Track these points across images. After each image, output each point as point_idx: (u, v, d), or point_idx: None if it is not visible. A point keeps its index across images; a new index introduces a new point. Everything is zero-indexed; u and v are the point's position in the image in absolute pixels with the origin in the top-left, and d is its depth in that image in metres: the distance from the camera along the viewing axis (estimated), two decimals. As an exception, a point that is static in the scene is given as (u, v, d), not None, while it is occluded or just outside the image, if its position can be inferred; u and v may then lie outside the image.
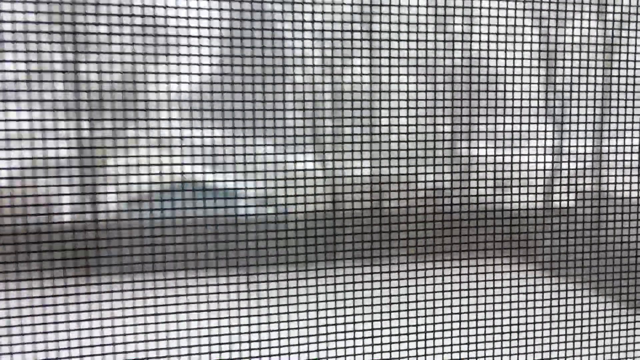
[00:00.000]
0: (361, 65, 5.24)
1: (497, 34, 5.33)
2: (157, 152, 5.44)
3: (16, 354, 4.27)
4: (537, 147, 5.75)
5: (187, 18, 4.92)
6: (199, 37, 5.03)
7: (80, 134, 4.75)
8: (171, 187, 5.33)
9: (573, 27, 5.47)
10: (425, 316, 5.11)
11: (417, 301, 4.71)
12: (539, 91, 5.68)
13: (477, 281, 5.27)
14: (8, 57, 4.40)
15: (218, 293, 5.06)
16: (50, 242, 4.43)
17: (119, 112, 4.98)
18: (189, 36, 5.00)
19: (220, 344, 4.78)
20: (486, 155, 5.84)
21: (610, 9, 5.47)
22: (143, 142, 5.34)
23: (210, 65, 5.51)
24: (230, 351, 4.60)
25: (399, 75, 5.37)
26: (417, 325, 5.01)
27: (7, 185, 4.45)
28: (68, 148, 4.81)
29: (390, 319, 5.05)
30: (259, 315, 4.96)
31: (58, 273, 4.64)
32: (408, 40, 5.38)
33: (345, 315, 5.06)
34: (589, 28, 5.24)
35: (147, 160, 5.26)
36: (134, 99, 5.02)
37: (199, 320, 4.88)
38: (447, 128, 5.58)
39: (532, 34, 5.55)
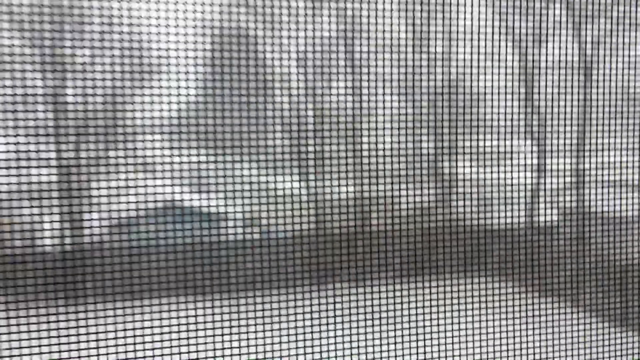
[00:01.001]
0: (344, 87, 5.29)
1: (477, 54, 5.42)
2: (141, 175, 5.43)
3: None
4: (518, 165, 5.82)
5: (171, 42, 4.94)
6: (183, 61, 5.05)
7: (62, 159, 4.74)
8: (155, 211, 5.32)
9: (552, 48, 5.58)
10: (409, 335, 5.11)
11: (402, 321, 4.71)
12: (519, 110, 5.76)
13: (453, 299, 5.29)
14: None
15: (202, 316, 5.03)
16: (33, 269, 4.39)
17: (102, 137, 4.98)
18: (170, 60, 5.02)
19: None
20: (469, 174, 5.89)
21: (586, 29, 5.59)
22: (125, 166, 5.33)
23: (195, 88, 5.54)
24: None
25: (380, 95, 5.42)
26: (403, 344, 5.00)
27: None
28: (48, 174, 4.79)
29: (373, 339, 5.05)
30: (247, 339, 4.93)
31: (42, 298, 4.59)
32: (390, 61, 5.45)
33: (328, 338, 5.04)
34: (566, 48, 5.34)
35: (130, 183, 5.24)
36: (117, 123, 5.02)
37: (187, 345, 4.84)
38: (430, 147, 5.64)
39: (511, 54, 5.64)
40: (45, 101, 4.66)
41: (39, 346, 4.36)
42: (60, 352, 4.42)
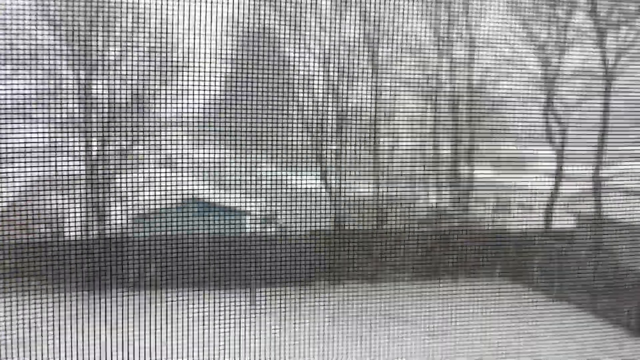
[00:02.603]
0: (366, 89, 5.37)
1: (499, 59, 5.46)
2: (165, 170, 5.55)
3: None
4: (537, 170, 5.85)
5: (197, 40, 5.05)
6: (208, 58, 5.16)
7: (90, 151, 4.88)
8: (177, 205, 5.43)
9: (574, 55, 5.60)
10: (422, 335, 5.17)
11: (415, 320, 4.77)
12: (539, 116, 5.79)
13: (467, 301, 5.33)
14: (23, 76, 4.53)
15: (221, 310, 5.13)
16: (59, 257, 4.53)
17: (127, 131, 5.10)
18: (196, 57, 5.13)
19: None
20: (487, 178, 5.93)
21: (609, 37, 5.60)
22: (151, 160, 5.45)
23: (219, 86, 5.64)
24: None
25: (401, 97, 5.49)
26: (415, 343, 5.06)
27: (20, 201, 4.56)
28: (78, 165, 4.92)
29: (387, 338, 5.11)
30: (260, 333, 5.02)
31: (68, 287, 4.73)
32: (412, 64, 5.51)
33: (345, 335, 5.12)
34: (588, 56, 5.37)
35: (155, 177, 5.36)
36: (142, 118, 5.14)
37: (201, 337, 4.95)
38: (449, 150, 5.69)
39: (533, 61, 5.68)
40: (75, 95, 4.79)
41: (60, 332, 4.50)
42: (83, 337, 4.55)
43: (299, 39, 5.34)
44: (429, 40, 5.41)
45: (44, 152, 4.73)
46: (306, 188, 5.67)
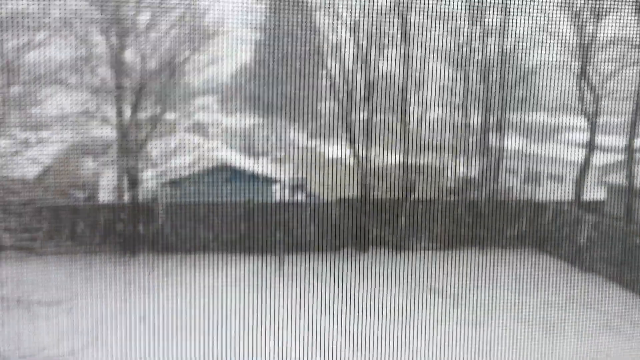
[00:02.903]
0: (396, 57, 5.32)
1: (532, 27, 5.35)
2: (195, 136, 5.62)
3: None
4: (568, 141, 5.76)
5: (227, 8, 5.05)
6: (238, 26, 5.17)
7: (123, 118, 4.96)
8: (207, 171, 5.51)
9: (610, 22, 5.45)
10: (447, 306, 5.20)
11: (441, 290, 4.79)
12: (573, 86, 5.68)
13: (494, 272, 5.32)
14: (57, 44, 4.60)
15: (248, 275, 5.22)
16: (93, 221, 4.66)
17: (160, 98, 5.17)
18: (226, 25, 5.14)
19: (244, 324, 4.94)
20: (518, 148, 5.87)
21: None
22: (181, 127, 5.53)
23: (249, 53, 5.65)
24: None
25: (431, 66, 5.43)
26: (439, 313, 5.10)
27: (53, 167, 4.69)
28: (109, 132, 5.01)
29: (412, 306, 5.15)
30: (289, 298, 5.11)
31: (102, 249, 4.88)
32: (443, 32, 5.44)
33: (370, 302, 5.16)
34: (626, 23, 5.22)
35: (185, 144, 5.45)
36: (173, 85, 5.20)
37: (229, 299, 5.06)
38: (479, 120, 5.63)
39: (567, 28, 5.55)
40: (107, 62, 4.86)
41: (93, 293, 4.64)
42: (114, 300, 4.69)
43: (329, 6, 5.31)
44: (460, 7, 5.32)
45: (78, 118, 4.83)
46: (334, 156, 5.70)
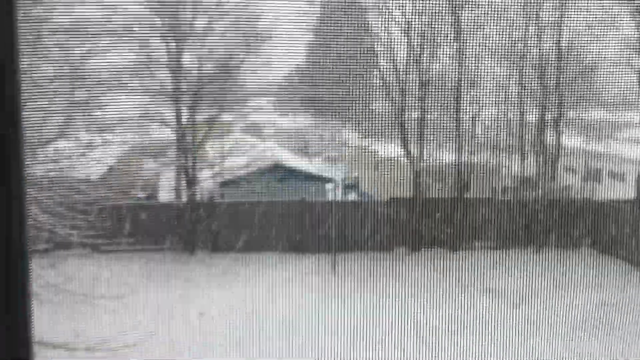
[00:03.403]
0: (449, 55, 5.30)
1: (591, 21, 5.23)
2: (250, 137, 5.74)
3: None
4: (629, 138, 5.60)
5: (281, 10, 5.14)
6: (292, 28, 5.25)
7: (180, 119, 5.13)
8: (263, 171, 5.63)
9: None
10: (502, 305, 5.13)
11: (496, 290, 4.74)
12: (635, 81, 5.52)
13: (550, 273, 5.23)
14: (118, 49, 4.78)
15: (303, 274, 5.30)
16: (153, 219, 4.83)
17: (216, 100, 5.31)
18: (280, 27, 5.23)
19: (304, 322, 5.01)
20: (576, 146, 5.74)
21: None
22: (237, 128, 5.66)
23: (302, 55, 5.74)
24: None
25: (485, 63, 5.38)
26: (494, 313, 5.04)
27: (115, 167, 4.90)
28: (167, 133, 5.18)
29: (467, 306, 5.11)
30: (340, 298, 5.16)
31: (162, 247, 5.06)
32: (496, 29, 5.38)
33: (424, 302, 5.15)
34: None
35: (241, 144, 5.57)
36: (230, 87, 5.33)
37: (287, 299, 5.15)
38: (535, 117, 5.54)
39: (628, 22, 5.39)
40: (165, 65, 5.03)
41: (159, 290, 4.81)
42: (175, 296, 4.84)
43: (381, 6, 5.33)
44: (514, 2, 5.25)
45: (138, 120, 5.02)
46: (387, 156, 5.71)
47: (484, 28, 5.37)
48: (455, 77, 5.31)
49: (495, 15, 5.28)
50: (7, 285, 0.94)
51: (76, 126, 4.55)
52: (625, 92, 5.35)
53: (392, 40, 5.40)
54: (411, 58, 5.38)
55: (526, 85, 5.43)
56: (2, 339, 0.97)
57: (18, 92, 0.97)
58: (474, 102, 5.48)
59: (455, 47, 5.31)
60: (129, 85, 4.81)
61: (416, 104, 5.37)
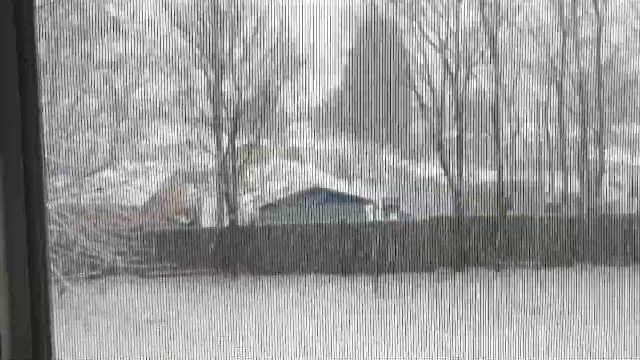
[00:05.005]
0: (486, 75, 5.29)
1: (630, 35, 5.15)
2: (290, 161, 5.84)
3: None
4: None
5: (317, 35, 5.24)
6: (328, 52, 5.35)
7: (221, 146, 5.26)
8: (302, 195, 5.69)
9: None
10: (548, 326, 5.02)
11: (541, 310, 4.64)
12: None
13: (599, 291, 5.09)
14: (159, 79, 4.96)
15: (343, 295, 5.31)
16: (196, 244, 4.94)
17: (255, 126, 5.44)
18: (316, 52, 5.33)
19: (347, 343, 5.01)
20: (620, 161, 5.62)
21: None
22: (277, 153, 5.76)
23: (339, 78, 5.82)
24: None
25: (523, 81, 5.35)
26: (540, 334, 4.94)
27: (159, 194, 5.06)
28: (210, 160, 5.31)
29: (513, 326, 5.02)
30: (380, 317, 5.14)
31: (205, 271, 5.17)
32: (534, 47, 5.35)
33: (468, 322, 5.09)
34: None
35: (280, 169, 5.67)
36: (267, 113, 5.45)
37: (325, 321, 5.16)
38: (577, 134, 5.46)
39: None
40: (205, 94, 5.18)
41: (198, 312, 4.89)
42: (218, 318, 4.92)
43: (415, 27, 5.37)
44: (551, 19, 5.22)
45: (180, 148, 5.17)
46: (427, 176, 5.70)
47: (520, 46, 5.34)
48: (492, 96, 5.29)
49: (532, 32, 5.26)
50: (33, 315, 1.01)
51: (121, 156, 4.72)
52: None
53: (428, 61, 5.43)
54: (447, 78, 5.39)
55: (566, 101, 5.37)
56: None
57: (40, 129, 1.05)
58: (513, 119, 5.44)
59: (491, 65, 5.30)
60: (170, 114, 4.98)
61: (454, 124, 5.37)
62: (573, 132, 5.42)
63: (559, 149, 5.51)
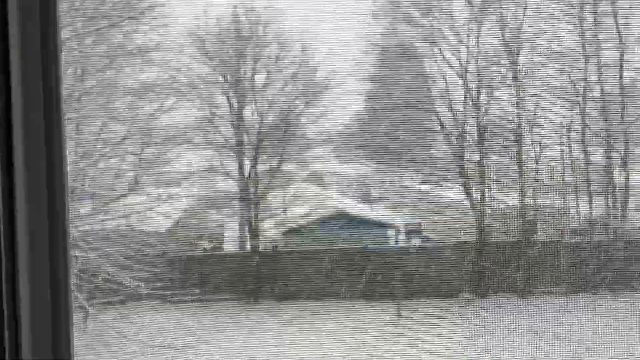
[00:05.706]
0: (508, 98, 5.28)
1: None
2: (312, 186, 5.85)
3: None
4: None
5: (338, 60, 5.28)
6: (350, 77, 5.39)
7: (243, 171, 5.30)
8: (325, 219, 5.69)
9: None
10: (576, 354, 4.92)
11: (568, 338, 4.56)
12: None
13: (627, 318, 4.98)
14: (183, 106, 5.03)
15: (368, 321, 5.28)
16: (219, 269, 4.96)
17: (277, 150, 5.47)
18: (338, 77, 5.37)
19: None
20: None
21: None
22: (299, 177, 5.78)
23: (360, 103, 5.85)
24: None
25: (546, 104, 5.32)
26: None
27: (183, 219, 5.11)
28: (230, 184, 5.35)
29: (538, 354, 4.94)
30: (405, 343, 5.09)
31: (228, 296, 5.18)
32: (556, 70, 5.33)
33: (492, 350, 5.02)
34: None
35: (302, 193, 5.68)
36: (289, 137, 5.49)
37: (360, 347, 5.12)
38: (602, 157, 5.40)
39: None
40: (228, 120, 5.24)
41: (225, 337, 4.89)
42: (242, 343, 4.91)
43: (436, 52, 5.39)
44: (573, 42, 5.20)
45: (204, 173, 5.22)
46: (449, 200, 5.67)
47: (542, 69, 5.33)
48: (515, 119, 5.27)
49: (554, 56, 5.24)
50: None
51: (145, 182, 4.78)
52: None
53: (449, 85, 5.43)
54: (469, 101, 5.38)
55: (590, 124, 5.32)
56: None
57: (64, 160, 1.07)
58: (536, 143, 5.40)
59: (513, 89, 5.28)
60: (194, 140, 5.04)
61: (476, 148, 5.34)
62: (598, 155, 5.36)
63: (584, 172, 5.45)
